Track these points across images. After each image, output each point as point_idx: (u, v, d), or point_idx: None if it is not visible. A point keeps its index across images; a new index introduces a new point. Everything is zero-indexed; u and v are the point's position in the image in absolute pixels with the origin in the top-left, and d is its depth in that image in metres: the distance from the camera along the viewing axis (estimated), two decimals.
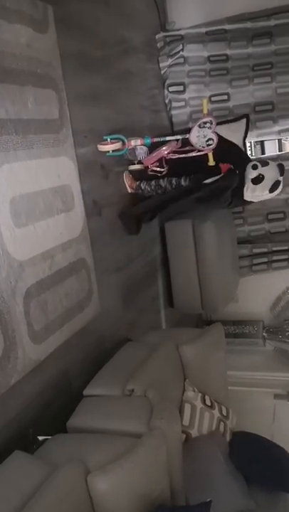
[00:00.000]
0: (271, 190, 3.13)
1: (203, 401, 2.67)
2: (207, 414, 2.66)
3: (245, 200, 3.24)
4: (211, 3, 4.08)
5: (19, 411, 2.21)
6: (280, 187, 3.15)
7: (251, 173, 3.12)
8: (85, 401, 2.38)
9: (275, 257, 4.42)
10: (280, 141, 4.42)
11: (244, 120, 3.26)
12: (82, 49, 2.91)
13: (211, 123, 2.93)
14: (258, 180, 3.11)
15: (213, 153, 2.98)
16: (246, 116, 3.28)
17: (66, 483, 1.71)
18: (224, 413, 2.79)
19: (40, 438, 2.22)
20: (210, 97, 4.09)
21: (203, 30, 4.01)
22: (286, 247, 4.39)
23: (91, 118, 2.95)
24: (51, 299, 2.42)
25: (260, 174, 3.10)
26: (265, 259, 4.47)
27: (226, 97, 4.12)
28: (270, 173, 3.11)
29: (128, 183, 3.29)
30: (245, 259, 4.51)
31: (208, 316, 4.63)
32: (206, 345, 2.81)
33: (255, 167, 3.11)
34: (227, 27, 3.98)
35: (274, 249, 4.42)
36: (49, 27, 2.47)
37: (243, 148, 3.33)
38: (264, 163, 3.14)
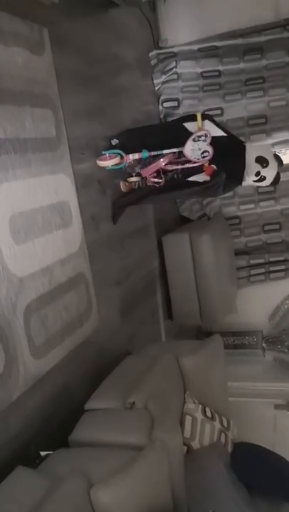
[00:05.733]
0: (273, 184, 3.20)
1: (204, 413, 2.69)
2: (208, 425, 2.67)
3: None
4: (202, 20, 4.16)
5: (21, 426, 2.22)
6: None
7: (254, 178, 3.18)
8: (87, 415, 2.40)
9: (272, 268, 4.45)
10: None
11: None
12: (78, 67, 2.98)
13: (206, 136, 2.98)
14: (260, 180, 3.17)
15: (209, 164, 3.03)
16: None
17: (69, 497, 1.72)
18: (225, 424, 2.80)
19: (43, 453, 2.23)
20: (204, 111, 4.15)
21: (196, 47, 4.10)
22: (283, 258, 4.42)
23: (87, 134, 3.01)
24: (51, 313, 2.44)
25: (262, 176, 3.16)
26: (263, 270, 4.50)
27: (219, 111, 4.19)
28: (271, 171, 3.15)
29: (125, 190, 3.33)
30: (243, 270, 4.54)
31: (208, 328, 4.65)
32: (205, 357, 2.83)
33: (258, 174, 3.15)
34: (219, 43, 4.06)
35: (271, 259, 4.46)
36: (45, 48, 2.53)
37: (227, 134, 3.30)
38: (264, 162, 3.13)
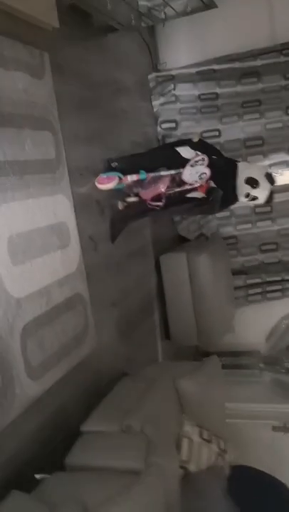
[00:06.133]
0: (267, 202, 3.21)
1: (201, 435, 2.66)
2: (205, 448, 2.64)
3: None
4: (200, 44, 4.25)
5: (16, 449, 2.20)
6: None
7: (243, 201, 3.19)
8: (83, 438, 2.37)
9: (269, 288, 4.46)
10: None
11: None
12: (77, 91, 3.02)
13: (203, 160, 3.01)
14: (252, 200, 3.18)
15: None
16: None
17: None
18: (222, 447, 2.77)
19: (38, 476, 2.20)
20: (201, 133, 4.21)
21: (194, 70, 4.18)
22: (280, 278, 4.44)
23: (86, 156, 3.04)
24: (48, 334, 2.44)
25: (253, 196, 3.15)
26: (260, 290, 4.51)
27: (217, 133, 4.24)
28: (262, 192, 3.13)
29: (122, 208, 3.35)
30: (240, 289, 4.55)
31: (205, 348, 4.63)
32: (202, 379, 2.82)
33: (247, 195, 3.14)
34: (216, 67, 4.15)
35: (268, 279, 4.47)
36: (45, 72, 2.58)
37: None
38: (254, 183, 3.10)
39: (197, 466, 2.58)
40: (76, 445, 2.32)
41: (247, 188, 3.10)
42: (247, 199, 3.16)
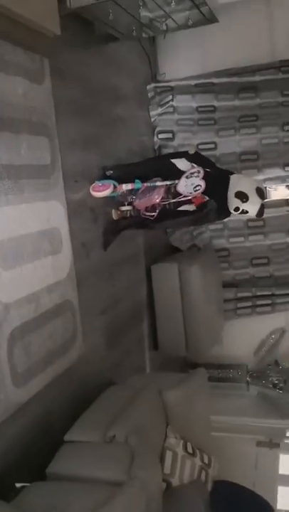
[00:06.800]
0: (258, 216, 3.18)
1: (185, 448, 2.65)
2: (189, 462, 2.63)
3: None
4: (200, 57, 4.28)
5: None
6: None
7: (234, 214, 3.17)
8: (66, 447, 2.35)
9: (259, 302, 4.47)
10: (264, 188, 4.56)
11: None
12: (76, 97, 3.03)
13: (199, 172, 3.02)
14: (242, 213, 3.16)
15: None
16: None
17: None
18: (206, 461, 2.76)
19: (18, 485, 2.17)
20: (198, 145, 4.22)
21: (193, 82, 4.20)
22: (270, 293, 4.45)
23: (82, 163, 3.04)
24: (35, 340, 2.42)
25: (243, 210, 3.13)
26: (250, 304, 4.52)
27: (213, 145, 4.27)
28: (253, 206, 3.11)
29: (116, 218, 3.34)
30: (230, 302, 4.55)
31: (193, 359, 4.62)
32: (189, 391, 2.81)
33: (237, 209, 3.12)
34: (215, 80, 4.18)
35: (258, 293, 4.48)
36: (45, 78, 2.58)
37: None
38: (243, 197, 3.08)
39: (180, 479, 2.56)
40: (58, 454, 2.29)
41: (237, 202, 3.09)
42: (237, 212, 3.15)
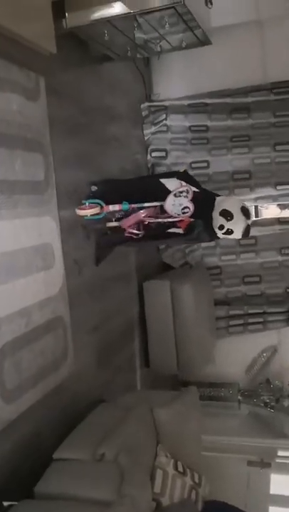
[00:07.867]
0: (244, 236, 3.16)
1: (176, 467, 2.61)
2: (179, 481, 2.59)
3: None
4: (194, 78, 4.36)
5: None
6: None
7: (219, 233, 3.12)
8: (54, 465, 2.32)
9: (250, 320, 4.47)
10: (256, 207, 4.61)
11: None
12: (70, 115, 3.07)
13: (187, 192, 3.01)
14: (228, 233, 3.12)
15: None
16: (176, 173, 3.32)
17: None
18: (196, 480, 2.72)
19: (6, 503, 2.13)
20: (190, 163, 4.29)
21: (186, 102, 4.28)
22: (261, 311, 4.46)
23: (76, 180, 3.06)
24: (26, 357, 2.40)
25: (228, 229, 3.10)
26: (242, 322, 4.52)
27: (205, 164, 4.32)
28: (238, 225, 3.09)
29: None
30: (222, 320, 4.55)
31: (185, 377, 4.60)
32: (180, 410, 2.78)
33: (221, 227, 3.09)
34: (208, 101, 4.25)
35: (250, 311, 4.49)
36: (40, 95, 2.61)
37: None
38: (228, 215, 3.06)
39: (170, 498, 2.52)
40: (47, 472, 2.26)
41: (221, 220, 3.08)
42: (222, 231, 3.11)
